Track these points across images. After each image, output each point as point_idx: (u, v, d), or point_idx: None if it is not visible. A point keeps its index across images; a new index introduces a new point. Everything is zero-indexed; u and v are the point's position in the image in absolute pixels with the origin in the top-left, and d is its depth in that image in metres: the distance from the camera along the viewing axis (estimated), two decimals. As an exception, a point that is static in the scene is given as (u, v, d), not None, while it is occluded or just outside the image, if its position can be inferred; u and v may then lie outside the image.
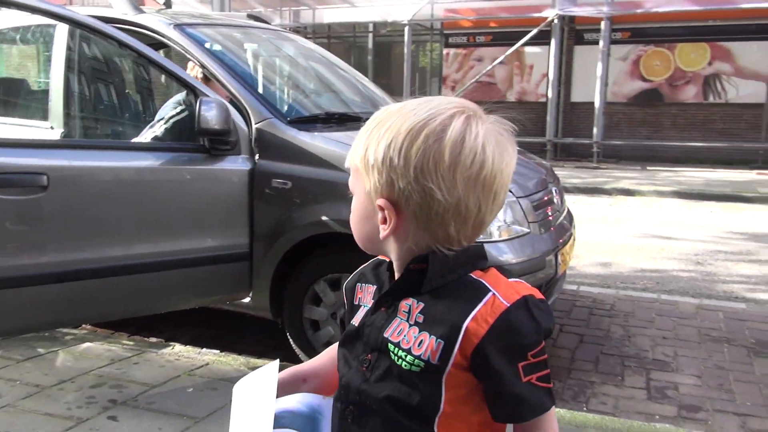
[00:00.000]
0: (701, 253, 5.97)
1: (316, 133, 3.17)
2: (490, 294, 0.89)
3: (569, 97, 15.26)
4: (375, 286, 1.02)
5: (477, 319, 0.87)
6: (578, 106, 15.06)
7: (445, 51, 16.50)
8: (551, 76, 13.83)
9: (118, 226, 2.85)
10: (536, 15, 13.43)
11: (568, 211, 3.85)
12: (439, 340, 0.88)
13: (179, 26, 3.46)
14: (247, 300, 3.23)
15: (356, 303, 1.04)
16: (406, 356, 0.90)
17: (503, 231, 3.03)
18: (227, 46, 3.69)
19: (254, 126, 3.13)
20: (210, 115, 2.84)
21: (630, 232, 6.97)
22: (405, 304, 0.93)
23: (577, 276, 5.00)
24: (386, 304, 0.96)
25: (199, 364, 3.07)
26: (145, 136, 3.44)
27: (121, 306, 2.95)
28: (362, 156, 0.92)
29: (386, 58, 17.64)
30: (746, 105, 14.05)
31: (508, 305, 0.88)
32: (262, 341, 3.71)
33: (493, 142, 0.89)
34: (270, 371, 1.00)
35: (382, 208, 0.91)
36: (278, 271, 3.13)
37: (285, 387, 1.07)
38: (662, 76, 14.62)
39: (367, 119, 3.02)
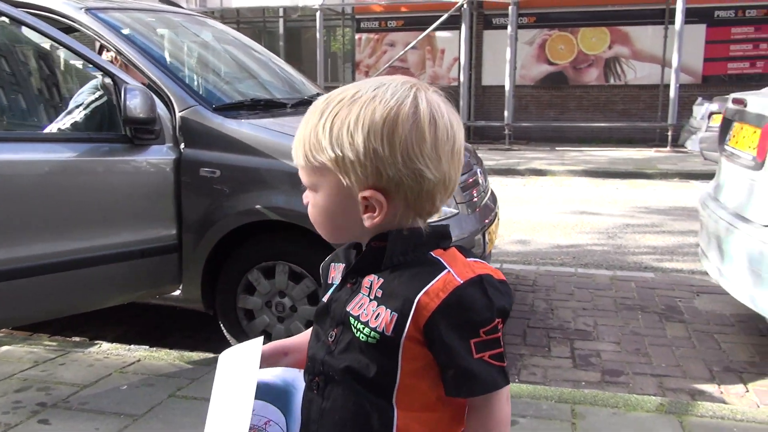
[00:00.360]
0: (611, 227, 6.30)
1: (243, 120, 3.12)
2: (445, 271, 0.92)
3: (480, 81, 15.63)
4: (344, 264, 1.04)
5: (429, 294, 0.90)
6: (489, 89, 15.45)
7: (357, 36, 16.49)
8: (462, 60, 14.09)
9: (38, 223, 2.71)
10: (446, 0, 13.62)
11: (492, 192, 3.97)
12: (393, 312, 0.91)
13: (91, 10, 3.30)
14: (177, 293, 3.16)
15: (330, 282, 1.07)
16: (363, 329, 0.93)
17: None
18: (144, 32, 3.56)
19: (178, 114, 3.05)
20: (135, 103, 2.75)
21: (545, 210, 7.25)
22: (368, 280, 0.96)
23: (499, 254, 5.17)
24: (351, 280, 0.99)
25: (130, 361, 2.98)
26: (61, 125, 3.28)
27: (42, 308, 2.81)
28: (332, 155, 0.91)
29: (297, 44, 17.44)
30: (644, 86, 14.85)
31: (461, 282, 0.91)
32: (193, 334, 3.65)
33: (453, 113, 0.95)
34: (254, 346, 1.03)
35: (366, 198, 0.92)
36: (209, 262, 3.08)
37: (267, 360, 1.09)
38: (566, 60, 15.20)
39: (292, 105, 3.01)
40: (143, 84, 3.04)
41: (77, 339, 3.53)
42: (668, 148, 12.51)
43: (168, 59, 3.50)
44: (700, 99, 11.28)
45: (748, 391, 2.94)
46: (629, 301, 4.06)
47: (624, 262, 5.05)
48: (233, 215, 2.99)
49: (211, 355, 3.10)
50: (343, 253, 1.06)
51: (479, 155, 4.14)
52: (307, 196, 0.99)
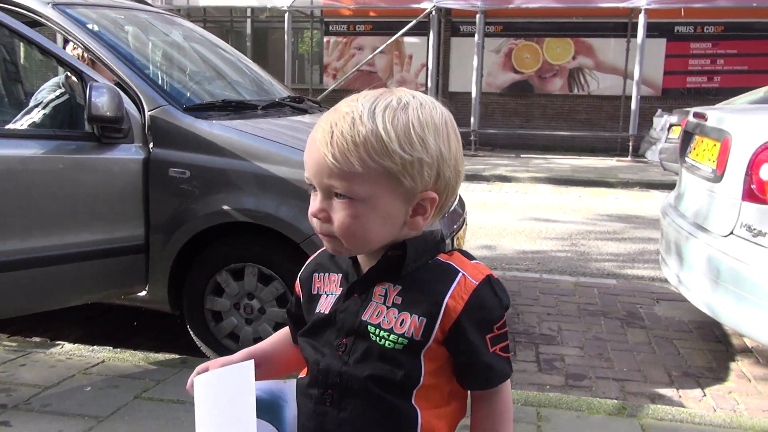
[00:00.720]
0: (574, 234, 6.41)
1: (214, 122, 3.09)
2: (460, 274, 0.97)
3: (447, 87, 15.76)
4: (339, 275, 1.04)
5: (454, 297, 0.95)
6: (456, 95, 15.56)
7: (325, 39, 16.48)
8: (430, 66, 14.19)
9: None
10: (414, 6, 13.70)
11: (460, 198, 4.00)
12: (421, 318, 0.95)
13: (58, 5, 3.24)
14: (143, 293, 3.12)
15: (315, 292, 1.06)
16: (388, 335, 0.96)
17: (403, 217, 3.11)
18: (112, 29, 3.51)
19: (147, 113, 3.01)
20: (101, 101, 2.71)
21: (510, 216, 7.35)
22: (380, 288, 0.98)
23: (465, 259, 5.21)
24: (359, 290, 1.00)
25: (93, 362, 2.93)
26: (20, 124, 3.22)
27: (3, 306, 2.75)
28: (404, 157, 0.91)
29: (264, 44, 17.33)
30: (606, 97, 15.16)
31: (477, 283, 0.96)
32: (158, 335, 3.60)
33: None
34: (244, 369, 1.00)
35: (424, 200, 0.95)
36: (177, 263, 3.05)
37: None
38: (532, 69, 15.44)
39: (263, 107, 3.00)
40: (112, 82, 3.00)
41: (38, 339, 3.46)
42: (629, 158, 12.78)
43: (137, 57, 3.45)
44: (659, 111, 11.58)
45: (705, 395, 3.03)
46: (592, 306, 4.14)
47: (587, 269, 5.15)
48: (202, 216, 2.97)
49: (177, 356, 3.07)
50: (329, 262, 1.06)
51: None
52: (325, 209, 0.95)
